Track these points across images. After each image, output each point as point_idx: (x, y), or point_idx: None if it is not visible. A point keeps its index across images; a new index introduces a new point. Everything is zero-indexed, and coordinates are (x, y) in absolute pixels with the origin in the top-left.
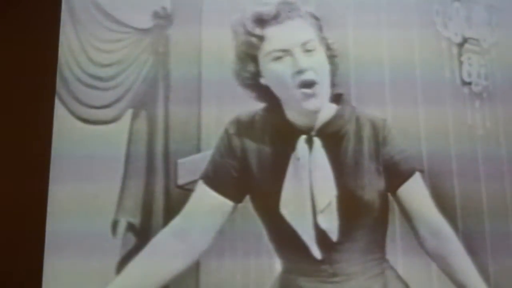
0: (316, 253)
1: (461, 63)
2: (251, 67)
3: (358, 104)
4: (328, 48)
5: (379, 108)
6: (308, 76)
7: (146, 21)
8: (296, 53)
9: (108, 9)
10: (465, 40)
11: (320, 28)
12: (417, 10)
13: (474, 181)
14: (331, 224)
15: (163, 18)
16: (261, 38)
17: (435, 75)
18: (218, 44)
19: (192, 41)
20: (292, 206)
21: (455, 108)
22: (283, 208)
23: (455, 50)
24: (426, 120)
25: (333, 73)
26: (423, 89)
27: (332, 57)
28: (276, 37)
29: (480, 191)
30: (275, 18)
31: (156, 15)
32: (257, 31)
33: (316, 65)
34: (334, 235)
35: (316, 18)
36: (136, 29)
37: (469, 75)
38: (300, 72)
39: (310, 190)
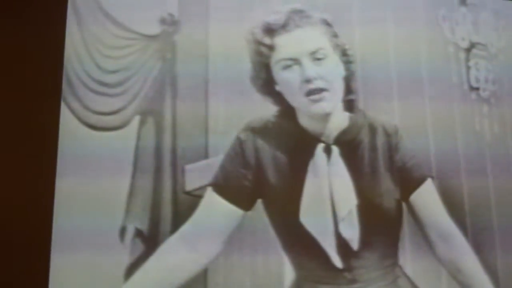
0: (337, 261)
1: (468, 68)
2: (264, 75)
3: (365, 110)
4: (344, 54)
5: (387, 114)
6: (316, 85)
7: (153, 27)
8: (304, 62)
9: (115, 15)
10: (472, 45)
11: (334, 35)
12: (423, 16)
13: (483, 186)
14: (352, 232)
15: (170, 24)
16: (271, 47)
17: (442, 81)
18: (225, 50)
19: (199, 47)
20: (312, 215)
21: (463, 113)
22: (303, 217)
23: (462, 55)
24: (434, 125)
25: (349, 79)
26: (430, 94)
27: (348, 63)
28: (285, 46)
29: (489, 196)
30: (284, 27)
31: (163, 21)
32: (266, 40)
33: (325, 73)
34: (355, 244)
35: (329, 25)
36: (143, 35)
37: (477, 80)
38: (307, 81)
39: (331, 199)
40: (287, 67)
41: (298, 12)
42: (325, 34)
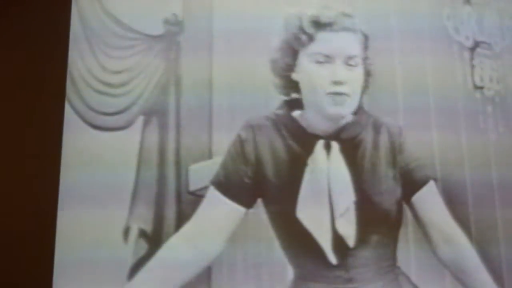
0: (332, 258)
1: (473, 67)
2: (289, 60)
3: (370, 110)
4: (366, 67)
5: (391, 114)
6: (343, 89)
7: (157, 28)
8: (338, 64)
9: (119, 16)
10: (476, 44)
11: (366, 47)
12: (428, 15)
13: (488, 187)
14: (349, 229)
15: (174, 25)
16: (311, 38)
17: (447, 80)
18: (229, 50)
19: (203, 46)
20: (310, 211)
21: (468, 112)
22: (299, 213)
23: (466, 54)
24: (439, 125)
25: (363, 90)
26: (435, 94)
27: (367, 75)
28: (326, 42)
29: (494, 196)
30: (331, 25)
31: (167, 21)
32: (311, 30)
33: (353, 81)
34: (351, 241)
35: (366, 37)
36: (147, 35)
37: (481, 79)
38: (337, 83)
39: (329, 194)
40: (319, 62)
41: (348, 17)
42: (361, 45)
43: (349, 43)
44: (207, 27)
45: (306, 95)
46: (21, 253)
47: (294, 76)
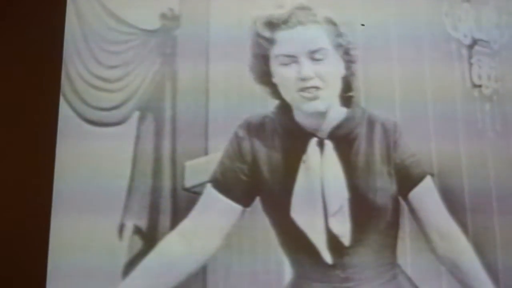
0: (327, 257)
1: (471, 65)
2: (262, 66)
3: (367, 106)
4: (346, 53)
5: (388, 110)
6: (312, 83)
7: (153, 23)
8: (302, 61)
9: (115, 10)
10: (474, 42)
11: (338, 34)
12: (426, 12)
13: (485, 184)
14: (343, 228)
15: (171, 20)
16: (271, 41)
17: (444, 77)
18: (226, 45)
19: (199, 42)
20: (303, 210)
21: (465, 110)
22: (293, 212)
23: (464, 52)
24: (436, 123)
25: (348, 78)
26: (432, 91)
27: (349, 63)
28: (284, 42)
29: (491, 194)
30: (285, 22)
31: (163, 16)
32: (267, 34)
33: (323, 73)
34: (346, 240)
35: (334, 24)
36: (143, 30)
37: (479, 77)
38: (304, 79)
39: (322, 193)
40: (284, 63)
41: (303, 9)
42: (328, 33)
43: (310, 37)
44: (204, 22)
45: (285, 97)
46: (14, 250)
47: (274, 80)
